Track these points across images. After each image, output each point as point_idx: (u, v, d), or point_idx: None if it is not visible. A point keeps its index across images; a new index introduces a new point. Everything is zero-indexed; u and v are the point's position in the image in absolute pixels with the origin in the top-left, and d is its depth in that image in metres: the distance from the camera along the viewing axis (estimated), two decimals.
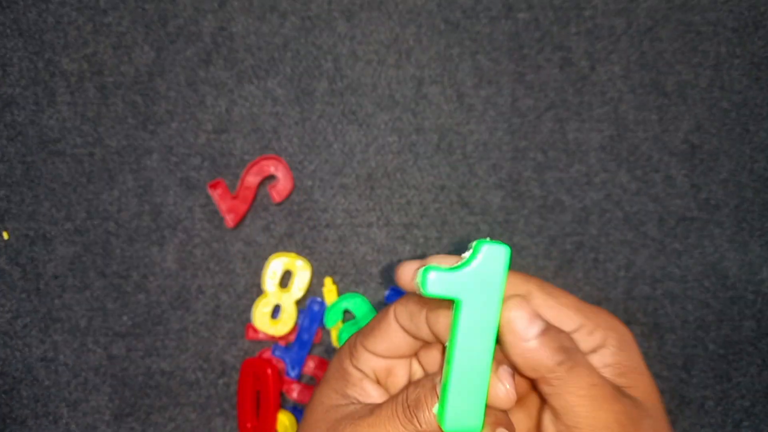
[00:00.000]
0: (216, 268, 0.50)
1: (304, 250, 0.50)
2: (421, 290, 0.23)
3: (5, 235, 0.50)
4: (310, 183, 0.51)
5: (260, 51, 0.52)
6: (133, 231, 0.50)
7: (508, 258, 0.23)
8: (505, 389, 0.22)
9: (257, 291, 0.50)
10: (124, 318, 0.50)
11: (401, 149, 0.52)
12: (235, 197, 0.50)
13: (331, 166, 0.51)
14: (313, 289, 0.50)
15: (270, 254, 0.50)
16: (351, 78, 0.52)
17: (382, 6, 0.53)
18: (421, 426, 0.23)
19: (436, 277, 0.23)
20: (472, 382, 0.23)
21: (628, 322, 0.50)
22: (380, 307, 0.50)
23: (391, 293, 0.50)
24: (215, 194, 0.50)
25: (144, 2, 0.52)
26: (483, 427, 0.23)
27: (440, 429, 0.23)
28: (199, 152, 0.51)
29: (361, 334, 0.26)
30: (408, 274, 0.27)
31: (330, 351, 0.51)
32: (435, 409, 0.23)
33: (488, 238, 0.24)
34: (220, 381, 0.50)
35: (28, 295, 0.50)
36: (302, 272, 0.49)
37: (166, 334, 0.49)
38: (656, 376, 0.50)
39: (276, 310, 0.50)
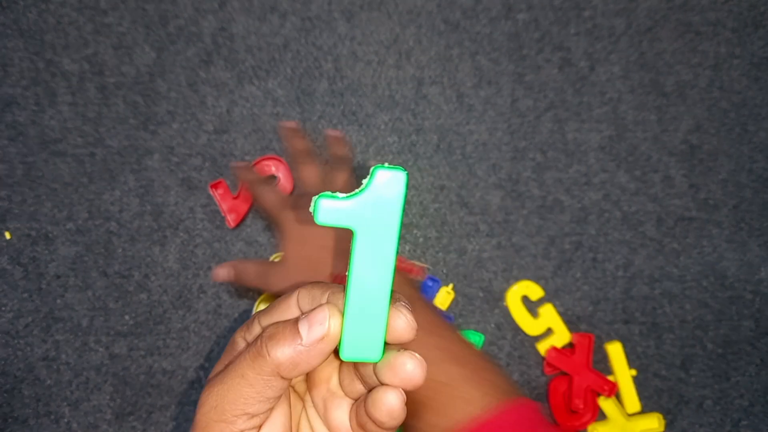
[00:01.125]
0: None
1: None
2: (314, 219, 0.21)
3: (7, 235, 0.50)
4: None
5: (261, 51, 0.52)
6: (134, 231, 0.51)
7: (405, 184, 0.22)
8: (405, 319, 0.22)
9: (258, 291, 0.50)
10: (126, 317, 0.50)
11: (401, 149, 0.52)
12: (236, 197, 0.50)
13: None
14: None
15: (271, 254, 0.50)
16: (351, 78, 0.52)
17: (382, 7, 0.53)
18: (269, 356, 0.22)
19: (328, 205, 0.21)
20: (370, 312, 0.22)
21: (627, 321, 0.51)
22: None
23: None
24: (216, 194, 0.50)
25: (144, 3, 0.52)
26: (382, 357, 0.22)
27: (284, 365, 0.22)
28: (200, 152, 0.51)
29: (262, 312, 0.25)
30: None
31: None
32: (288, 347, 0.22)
33: (387, 164, 0.22)
34: None
35: (29, 294, 0.50)
36: None
37: (167, 334, 0.50)
38: (655, 375, 0.50)
39: None
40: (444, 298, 0.50)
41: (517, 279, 0.51)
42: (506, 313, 0.50)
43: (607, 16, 0.53)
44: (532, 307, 0.50)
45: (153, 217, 0.51)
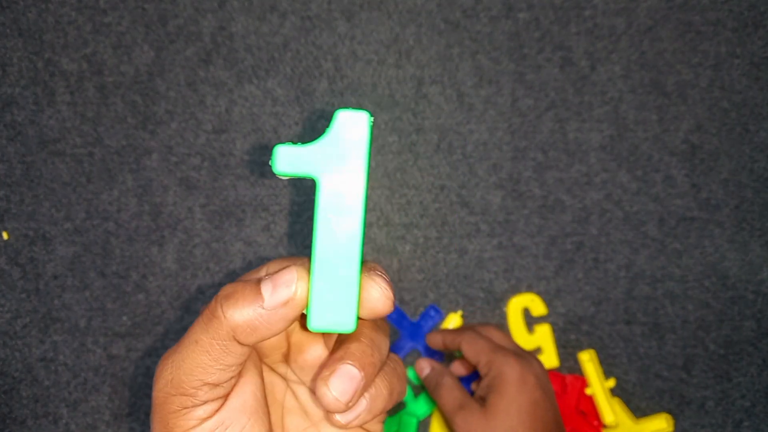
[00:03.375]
0: (216, 268, 0.50)
1: (304, 250, 0.50)
2: (273, 169, 0.19)
3: (5, 235, 0.50)
4: (310, 183, 0.51)
5: (260, 51, 0.52)
6: (132, 231, 0.50)
7: (369, 125, 0.19)
8: (379, 289, 0.20)
9: None
10: (124, 318, 0.50)
11: (401, 149, 0.52)
12: None
13: None
14: None
15: (271, 255, 0.50)
16: (351, 78, 0.52)
17: (382, 6, 0.53)
18: (224, 317, 0.19)
19: (286, 152, 0.19)
20: (339, 273, 0.19)
21: (629, 321, 0.50)
22: None
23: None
24: None
25: (144, 2, 0.52)
26: (356, 326, 0.20)
27: (238, 329, 0.19)
28: (199, 152, 0.51)
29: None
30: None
31: None
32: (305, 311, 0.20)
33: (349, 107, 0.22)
34: None
35: (27, 295, 0.50)
36: None
37: (165, 335, 0.49)
38: (656, 376, 0.50)
39: None
40: (454, 324, 0.49)
41: (518, 279, 0.51)
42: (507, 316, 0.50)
43: (607, 16, 0.53)
44: (531, 321, 0.50)
45: (151, 217, 0.50)
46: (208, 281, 0.50)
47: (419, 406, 0.48)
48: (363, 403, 0.20)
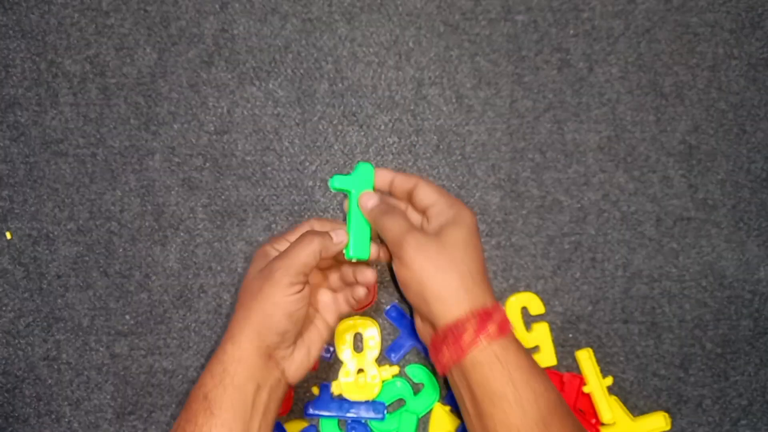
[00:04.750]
0: (218, 267, 0.50)
1: None
2: (330, 185, 0.42)
3: (8, 235, 0.51)
4: (311, 183, 0.52)
5: (261, 53, 0.52)
6: (135, 231, 0.51)
7: (372, 170, 0.43)
8: (376, 248, 0.43)
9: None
10: (127, 317, 0.50)
11: (401, 150, 0.52)
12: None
13: (332, 167, 0.52)
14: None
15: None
16: (351, 79, 0.52)
17: (382, 8, 0.53)
18: (314, 242, 0.39)
19: (338, 179, 0.42)
20: (360, 232, 0.42)
21: (626, 321, 0.51)
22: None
23: (391, 309, 0.50)
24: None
25: (146, 4, 0.52)
26: (369, 256, 0.42)
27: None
28: (201, 153, 0.52)
29: (284, 233, 0.44)
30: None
31: None
32: (344, 249, 0.42)
33: (366, 161, 0.46)
34: None
35: (30, 294, 0.50)
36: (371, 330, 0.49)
37: (168, 333, 0.50)
38: (654, 374, 0.50)
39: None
40: None
41: (516, 278, 0.51)
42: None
43: (605, 18, 0.53)
44: (528, 320, 0.51)
45: (154, 217, 0.51)
46: (210, 281, 0.50)
47: (419, 404, 0.49)
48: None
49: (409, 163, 0.52)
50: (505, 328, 0.37)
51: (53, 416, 0.49)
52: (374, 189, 0.43)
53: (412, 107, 0.52)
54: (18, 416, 0.49)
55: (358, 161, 0.43)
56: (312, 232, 0.40)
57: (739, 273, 0.52)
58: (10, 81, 0.52)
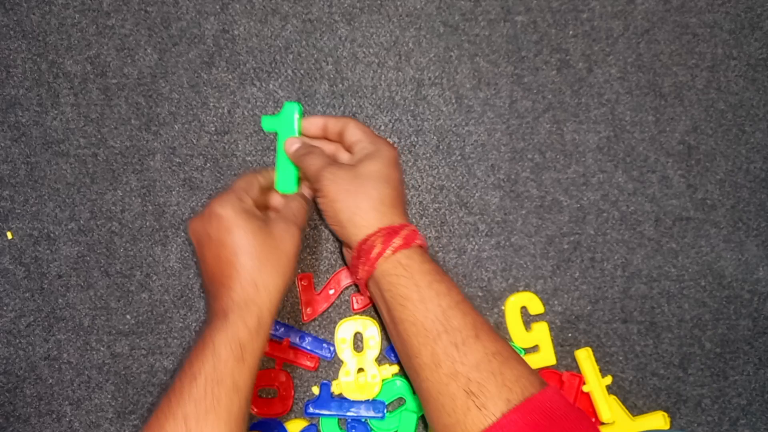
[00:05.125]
0: None
1: (305, 249, 0.51)
2: (262, 125, 0.49)
3: (9, 235, 0.51)
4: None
5: (262, 53, 0.53)
6: (136, 231, 0.51)
7: (295, 107, 0.47)
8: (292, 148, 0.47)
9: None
10: (128, 317, 0.50)
11: (401, 150, 0.52)
12: (318, 294, 0.50)
13: None
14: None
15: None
16: (351, 80, 0.53)
17: (382, 9, 0.53)
18: (261, 181, 0.45)
19: (266, 120, 0.48)
20: (286, 169, 0.47)
21: (625, 320, 0.51)
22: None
23: None
24: (300, 285, 0.50)
25: (147, 5, 0.53)
26: (297, 189, 0.47)
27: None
28: (202, 153, 0.52)
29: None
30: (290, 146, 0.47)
31: None
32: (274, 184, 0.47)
33: (294, 102, 0.48)
34: None
35: (32, 294, 0.50)
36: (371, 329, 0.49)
37: (169, 333, 0.50)
38: (653, 374, 0.51)
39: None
40: None
41: (516, 278, 0.51)
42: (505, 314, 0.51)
43: (604, 18, 0.54)
44: (528, 319, 0.51)
45: (155, 217, 0.51)
46: None
47: (419, 403, 0.49)
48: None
49: (409, 164, 0.52)
50: (410, 240, 0.40)
51: (54, 416, 0.49)
52: (300, 128, 0.47)
53: (411, 108, 0.52)
54: (19, 416, 0.50)
55: (285, 101, 0.47)
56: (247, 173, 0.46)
57: (738, 273, 0.52)
58: (11, 81, 0.52)
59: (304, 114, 0.48)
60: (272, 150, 0.52)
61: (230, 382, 0.35)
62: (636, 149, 0.53)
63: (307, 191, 0.47)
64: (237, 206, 0.40)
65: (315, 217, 0.51)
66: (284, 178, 0.47)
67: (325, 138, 0.47)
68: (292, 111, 0.46)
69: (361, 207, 0.41)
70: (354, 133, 0.45)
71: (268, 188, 0.46)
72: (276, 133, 0.47)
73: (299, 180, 0.47)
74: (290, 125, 0.46)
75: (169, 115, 0.52)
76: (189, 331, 0.50)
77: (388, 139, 0.52)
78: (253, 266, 0.38)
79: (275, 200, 0.47)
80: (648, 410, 0.50)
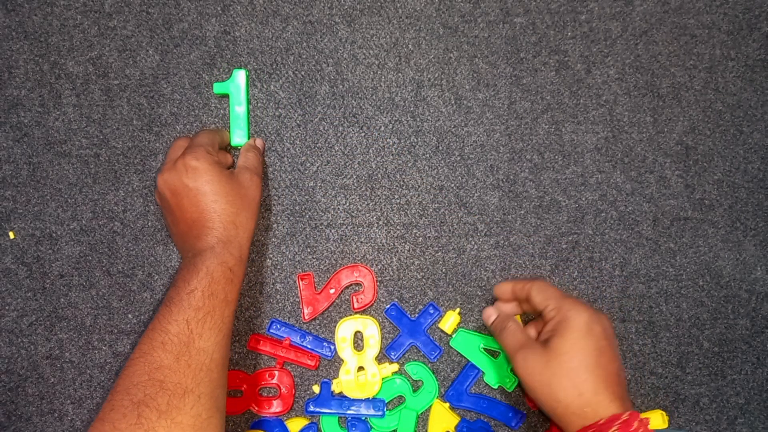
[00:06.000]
0: None
1: (305, 248, 0.51)
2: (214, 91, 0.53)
3: (11, 235, 0.51)
4: (311, 184, 0.52)
5: (263, 55, 0.53)
6: (138, 231, 0.51)
7: (246, 74, 0.52)
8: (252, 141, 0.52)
9: (259, 289, 0.51)
10: (129, 316, 0.51)
11: (401, 151, 0.53)
12: (318, 293, 0.50)
13: (333, 168, 0.52)
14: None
15: (272, 254, 0.51)
16: (352, 81, 0.53)
17: (382, 11, 0.53)
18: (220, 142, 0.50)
19: (217, 86, 0.52)
20: (239, 125, 0.51)
21: (623, 320, 0.51)
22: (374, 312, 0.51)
23: (390, 308, 0.51)
24: (300, 284, 0.50)
25: (149, 6, 0.53)
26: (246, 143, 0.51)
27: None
28: None
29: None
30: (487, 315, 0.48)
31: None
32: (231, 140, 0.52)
33: (241, 67, 0.53)
34: None
35: (34, 293, 0.51)
36: (371, 328, 0.50)
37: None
38: (651, 373, 0.51)
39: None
40: (453, 321, 0.50)
41: (515, 278, 0.51)
42: None
43: (603, 20, 0.54)
44: (528, 319, 0.51)
45: (156, 217, 0.51)
46: None
47: (418, 401, 0.49)
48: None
49: (409, 164, 0.52)
50: None
51: (56, 414, 0.50)
52: (248, 92, 0.52)
53: (411, 109, 0.53)
54: (21, 415, 0.50)
55: (234, 68, 0.51)
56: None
57: (736, 272, 0.52)
58: (14, 82, 0.52)
59: (250, 79, 0.53)
60: (272, 150, 0.52)
61: (222, 296, 0.41)
62: (634, 150, 0.53)
63: (259, 142, 0.51)
64: (209, 159, 0.45)
65: (315, 217, 0.52)
66: (238, 135, 0.51)
67: (517, 300, 0.47)
68: (240, 76, 0.51)
69: (559, 401, 0.38)
70: (538, 301, 0.44)
71: (223, 145, 0.51)
72: (228, 96, 0.52)
73: (250, 136, 0.52)
74: (238, 89, 0.51)
75: (170, 116, 0.52)
76: None
77: (387, 140, 0.52)
78: (231, 210, 0.44)
79: (227, 157, 0.50)
80: (646, 409, 0.50)
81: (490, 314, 0.47)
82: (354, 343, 0.50)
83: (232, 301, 0.42)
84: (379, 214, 0.52)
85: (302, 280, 0.50)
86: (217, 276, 0.41)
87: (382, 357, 0.50)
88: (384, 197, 0.52)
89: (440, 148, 0.53)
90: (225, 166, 0.47)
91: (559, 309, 0.41)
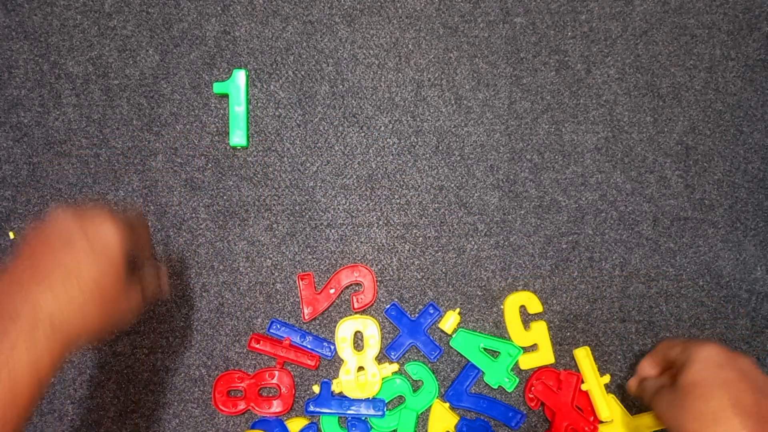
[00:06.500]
0: (220, 266, 0.51)
1: (306, 248, 0.51)
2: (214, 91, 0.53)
3: (11, 235, 0.51)
4: (311, 184, 0.52)
5: (263, 55, 0.53)
6: None
7: (246, 74, 0.52)
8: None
9: (260, 289, 0.51)
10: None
11: (401, 151, 0.53)
12: (318, 293, 0.50)
13: (333, 168, 0.52)
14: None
15: (271, 254, 0.51)
16: (352, 81, 0.53)
17: (382, 11, 0.53)
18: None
19: (217, 86, 0.52)
20: (238, 126, 0.51)
21: (623, 320, 0.51)
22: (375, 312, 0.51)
23: (390, 308, 0.51)
24: (301, 284, 0.50)
25: (148, 6, 0.53)
26: (247, 144, 0.52)
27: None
28: (203, 154, 0.52)
29: None
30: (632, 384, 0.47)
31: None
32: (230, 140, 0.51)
33: (240, 67, 0.53)
34: None
35: None
36: (371, 328, 0.49)
37: (170, 332, 0.50)
38: None
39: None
40: (453, 321, 0.50)
41: (515, 278, 0.51)
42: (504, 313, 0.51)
43: (603, 20, 0.54)
44: (527, 318, 0.51)
45: (156, 217, 0.51)
46: (212, 280, 0.51)
47: (418, 401, 0.49)
48: None
49: (409, 164, 0.52)
50: None
51: (56, 414, 0.50)
52: (248, 96, 0.52)
53: (411, 108, 0.53)
54: None
55: (234, 68, 0.52)
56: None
57: (736, 272, 0.52)
58: (13, 82, 0.52)
59: (250, 79, 0.52)
60: (272, 150, 0.52)
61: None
62: (634, 150, 0.53)
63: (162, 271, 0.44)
64: (124, 247, 0.36)
65: (315, 217, 0.52)
66: (237, 135, 0.51)
67: (658, 368, 0.47)
68: (240, 76, 0.51)
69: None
70: (667, 351, 0.44)
71: (143, 249, 0.42)
72: (228, 96, 0.52)
73: (249, 137, 0.52)
74: (238, 89, 0.51)
75: (170, 116, 0.52)
76: (190, 330, 0.50)
77: (387, 140, 0.52)
78: (84, 301, 0.34)
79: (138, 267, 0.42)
80: (646, 409, 0.50)
81: (632, 385, 0.47)
82: (354, 343, 0.50)
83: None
84: (379, 214, 0.52)
85: (302, 280, 0.50)
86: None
87: (382, 357, 0.50)
88: (384, 197, 0.52)
89: (440, 148, 0.53)
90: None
91: (686, 348, 0.42)
